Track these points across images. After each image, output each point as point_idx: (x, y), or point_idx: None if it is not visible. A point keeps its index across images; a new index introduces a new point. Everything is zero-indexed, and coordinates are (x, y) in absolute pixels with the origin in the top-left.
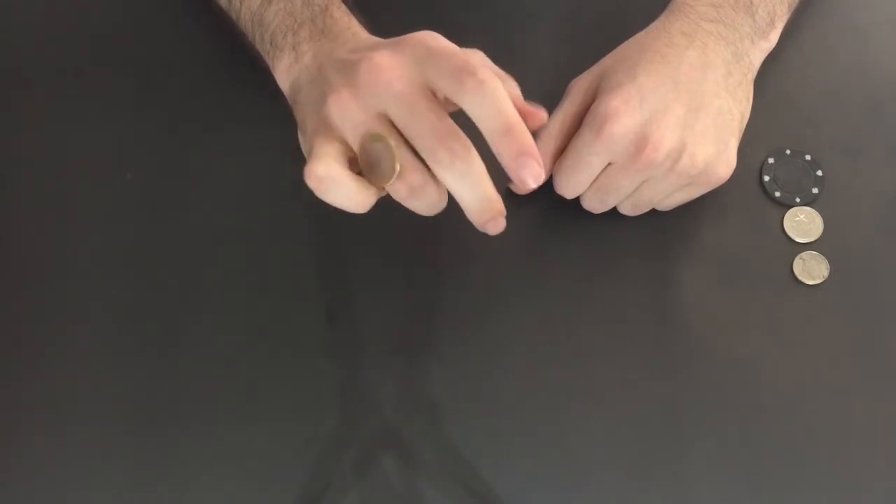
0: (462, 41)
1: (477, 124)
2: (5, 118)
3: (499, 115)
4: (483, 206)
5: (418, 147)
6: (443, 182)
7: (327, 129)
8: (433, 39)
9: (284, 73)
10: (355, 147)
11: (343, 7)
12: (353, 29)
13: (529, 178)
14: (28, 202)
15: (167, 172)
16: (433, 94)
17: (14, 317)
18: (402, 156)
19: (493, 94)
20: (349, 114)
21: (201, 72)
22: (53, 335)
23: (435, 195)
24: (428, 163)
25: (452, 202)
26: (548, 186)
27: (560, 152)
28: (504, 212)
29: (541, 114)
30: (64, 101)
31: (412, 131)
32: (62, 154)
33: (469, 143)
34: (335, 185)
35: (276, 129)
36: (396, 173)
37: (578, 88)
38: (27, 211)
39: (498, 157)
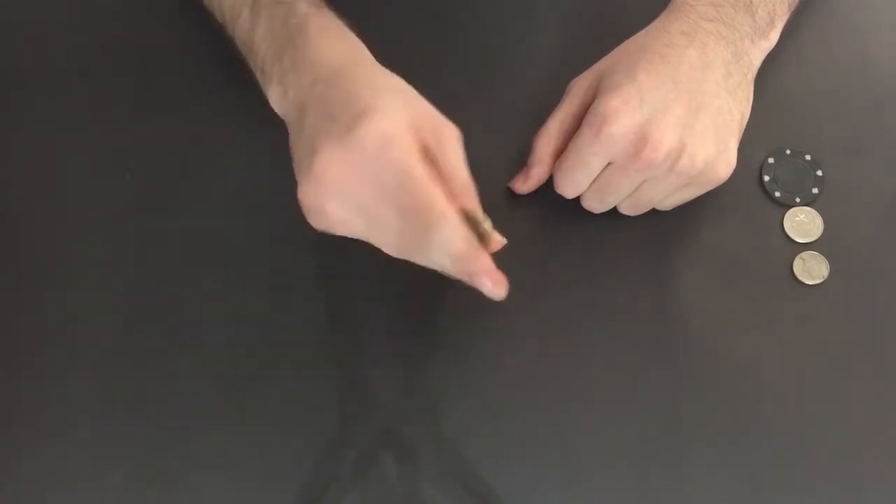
0: (462, 41)
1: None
2: (5, 118)
3: (455, 254)
4: (463, 275)
5: (391, 243)
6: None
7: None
8: (386, 146)
9: (276, 106)
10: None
11: (324, 19)
12: (328, 52)
13: (485, 287)
14: (28, 202)
15: (167, 172)
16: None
17: (14, 317)
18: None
19: (445, 239)
20: (325, 210)
21: (201, 72)
22: (53, 335)
23: None
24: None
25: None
26: (548, 186)
27: (560, 152)
28: (490, 271)
29: (502, 242)
30: (64, 101)
31: (381, 230)
32: (62, 154)
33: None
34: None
35: (277, 130)
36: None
37: (578, 88)
38: (27, 211)
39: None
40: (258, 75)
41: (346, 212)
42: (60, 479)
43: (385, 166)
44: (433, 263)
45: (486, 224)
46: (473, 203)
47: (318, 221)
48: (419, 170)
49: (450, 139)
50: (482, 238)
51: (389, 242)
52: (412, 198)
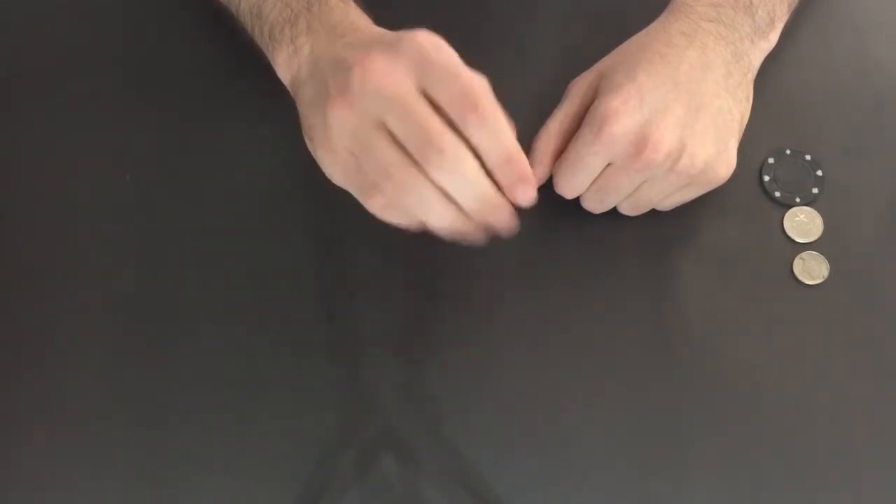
0: (462, 41)
1: (478, 152)
2: (5, 118)
3: (498, 147)
4: (480, 205)
5: (410, 149)
6: (438, 183)
7: (327, 133)
8: (434, 48)
9: (284, 68)
10: (357, 151)
11: None
12: (350, 17)
13: (522, 199)
14: (28, 202)
15: (167, 172)
16: (423, 98)
17: (14, 317)
18: None
19: (492, 128)
20: (346, 123)
21: (201, 72)
22: (53, 335)
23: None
24: (421, 165)
25: None
26: (548, 186)
27: (560, 152)
28: (507, 206)
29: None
30: (64, 101)
31: (403, 135)
32: (62, 154)
33: (459, 143)
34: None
35: (277, 129)
36: None
37: (578, 88)
38: (27, 211)
39: (497, 180)
40: (264, 41)
41: (363, 128)
42: (60, 479)
43: (433, 65)
44: (453, 182)
45: None
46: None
47: (338, 147)
48: (465, 66)
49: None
50: None
51: (388, 162)
52: (461, 87)
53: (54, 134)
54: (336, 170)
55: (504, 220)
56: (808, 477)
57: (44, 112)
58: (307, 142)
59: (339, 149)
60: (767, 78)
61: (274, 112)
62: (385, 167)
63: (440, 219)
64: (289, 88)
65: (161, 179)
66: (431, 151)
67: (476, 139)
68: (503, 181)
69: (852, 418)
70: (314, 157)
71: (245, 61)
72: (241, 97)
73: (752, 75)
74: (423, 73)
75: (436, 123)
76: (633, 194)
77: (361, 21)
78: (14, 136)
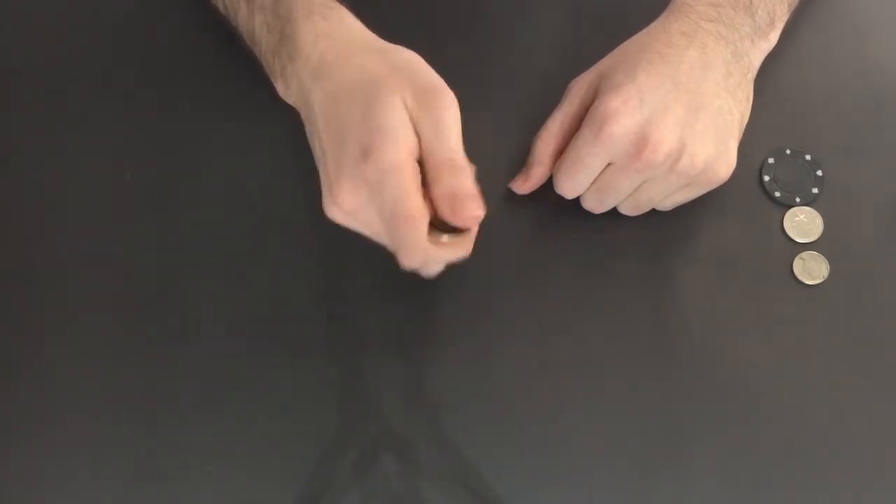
0: (462, 41)
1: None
2: (5, 118)
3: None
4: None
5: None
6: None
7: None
8: (386, 175)
9: (283, 98)
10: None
11: (305, 3)
12: (318, 44)
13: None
14: (28, 202)
15: (167, 172)
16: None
17: (14, 317)
18: None
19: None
20: (346, 221)
21: (201, 72)
22: (53, 335)
23: None
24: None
25: None
26: (548, 186)
27: (560, 152)
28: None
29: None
30: (64, 101)
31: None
32: (62, 154)
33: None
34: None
35: (278, 129)
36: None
37: (578, 88)
38: (27, 211)
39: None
40: (263, 65)
41: (359, 223)
42: (60, 479)
43: (387, 194)
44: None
45: (445, 238)
46: (456, 178)
47: (339, 221)
48: (414, 197)
49: (442, 110)
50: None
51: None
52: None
53: (54, 134)
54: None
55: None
56: (808, 477)
57: (44, 112)
58: (314, 152)
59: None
60: (767, 78)
61: (274, 112)
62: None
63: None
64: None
65: (161, 179)
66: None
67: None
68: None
69: (852, 418)
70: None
71: (245, 61)
72: (241, 97)
73: (752, 75)
74: (377, 199)
75: (413, 247)
76: (633, 194)
77: (329, 46)
78: (14, 135)
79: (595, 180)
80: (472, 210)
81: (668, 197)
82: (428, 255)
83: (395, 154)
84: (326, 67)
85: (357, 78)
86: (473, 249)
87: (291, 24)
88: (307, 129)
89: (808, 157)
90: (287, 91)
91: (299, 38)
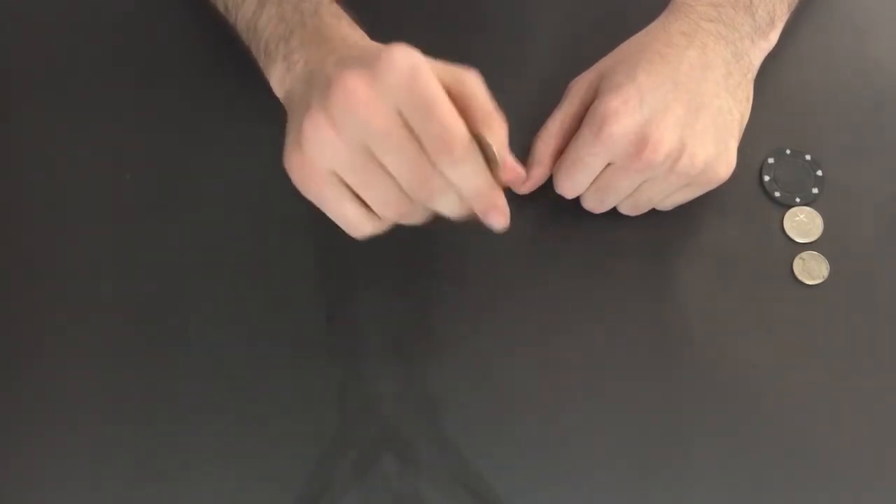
0: (461, 42)
1: (454, 183)
2: (5, 118)
3: (471, 186)
4: (477, 209)
5: (402, 183)
6: (436, 210)
7: (300, 138)
8: (412, 73)
9: (278, 84)
10: (352, 182)
11: (334, 8)
12: (342, 32)
13: (496, 225)
14: (28, 202)
15: (167, 172)
16: (406, 129)
17: (14, 317)
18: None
19: (467, 170)
20: (329, 144)
21: (201, 72)
22: (53, 335)
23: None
24: (413, 197)
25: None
26: (548, 186)
27: (560, 152)
28: (501, 207)
29: (519, 172)
30: (64, 101)
31: (394, 168)
32: (62, 154)
33: (442, 181)
34: (383, 228)
35: (277, 129)
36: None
37: (578, 88)
38: (27, 211)
39: (472, 207)
40: (260, 57)
41: (347, 152)
42: (60, 479)
43: (411, 94)
44: (440, 204)
45: (494, 148)
46: (500, 133)
47: (314, 161)
48: (445, 97)
49: (471, 78)
50: (491, 164)
51: (387, 191)
52: (437, 127)
53: (54, 134)
54: (310, 182)
55: (497, 222)
56: (808, 477)
57: (44, 112)
58: (288, 153)
59: (318, 164)
60: (767, 78)
61: (274, 112)
62: (385, 201)
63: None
64: (283, 103)
65: (161, 179)
66: (423, 190)
67: (448, 175)
68: (476, 209)
69: (852, 418)
70: (285, 163)
71: (245, 62)
72: (241, 97)
73: (752, 75)
74: (401, 101)
75: (425, 164)
76: (633, 194)
77: (354, 35)
78: (14, 135)
79: (595, 180)
80: (500, 220)
81: (668, 197)
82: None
83: (420, 57)
84: (348, 45)
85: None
86: (473, 248)
87: (317, 18)
88: (292, 105)
89: (808, 157)
90: (286, 75)
91: (325, 29)
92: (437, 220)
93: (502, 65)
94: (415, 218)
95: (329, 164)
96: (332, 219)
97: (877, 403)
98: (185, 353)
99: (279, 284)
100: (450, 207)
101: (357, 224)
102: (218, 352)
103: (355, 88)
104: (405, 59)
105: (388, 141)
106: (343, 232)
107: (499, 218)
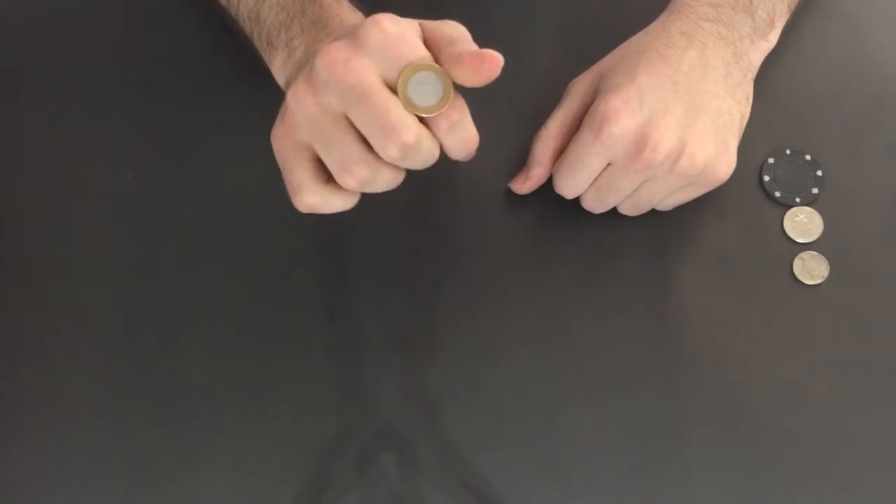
0: None
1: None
2: (5, 118)
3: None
4: (469, 146)
5: (369, 139)
6: (395, 175)
7: (284, 116)
8: (396, 34)
9: (280, 71)
10: (317, 145)
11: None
12: (341, 15)
13: (486, 70)
14: (28, 202)
15: (167, 172)
16: (384, 86)
17: (14, 317)
18: (450, 86)
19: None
20: (305, 108)
21: (201, 72)
22: (53, 335)
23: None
24: (381, 156)
25: (451, 205)
26: (548, 186)
27: (560, 152)
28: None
29: (492, 58)
30: (64, 101)
31: (362, 124)
32: (62, 154)
33: (419, 131)
34: (325, 206)
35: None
36: (449, 100)
37: (578, 88)
38: (27, 211)
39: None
40: (262, 45)
41: (319, 111)
42: (60, 479)
43: (389, 53)
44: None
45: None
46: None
47: (294, 130)
48: (425, 52)
49: (452, 24)
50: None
51: (350, 148)
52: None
53: (54, 133)
54: (286, 149)
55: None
56: (808, 477)
57: (44, 112)
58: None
59: (296, 133)
60: (767, 78)
61: (274, 112)
62: (345, 161)
63: (425, 163)
64: (284, 90)
65: (161, 179)
66: (391, 145)
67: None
68: (452, 151)
69: (852, 418)
70: (271, 138)
71: (245, 61)
72: (241, 97)
73: (752, 75)
74: (383, 61)
75: (394, 113)
76: (633, 194)
77: (353, 18)
78: (14, 135)
79: (595, 180)
80: (491, 56)
81: (668, 197)
82: (419, 134)
83: (404, 23)
84: (347, 27)
85: None
86: (473, 248)
87: (316, 5)
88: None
89: (808, 157)
90: (286, 62)
91: (324, 15)
92: (438, 220)
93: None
94: (376, 184)
95: (304, 129)
96: (286, 181)
97: (877, 403)
98: (185, 352)
99: (279, 284)
100: (420, 166)
101: (302, 188)
102: (218, 351)
103: (338, 54)
104: (390, 23)
105: (360, 91)
106: (343, 232)
107: (489, 67)
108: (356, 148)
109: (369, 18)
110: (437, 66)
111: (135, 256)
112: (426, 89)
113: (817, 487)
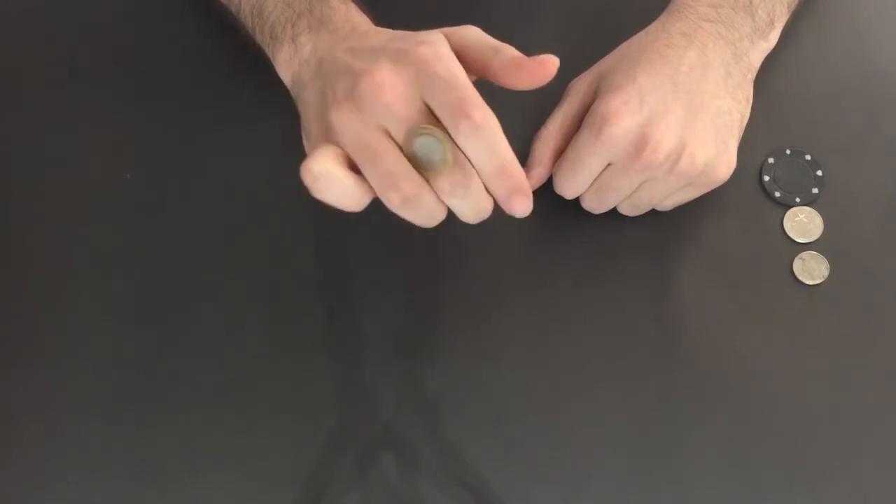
0: None
1: (471, 161)
2: (5, 118)
3: (492, 157)
4: (480, 214)
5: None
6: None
7: (328, 134)
8: (436, 58)
9: (284, 66)
10: (361, 159)
11: None
12: (351, 20)
13: (518, 211)
14: (28, 202)
15: (167, 172)
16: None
17: (14, 317)
18: (453, 149)
19: (487, 137)
20: (351, 127)
21: (201, 71)
22: (53, 335)
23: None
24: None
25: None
26: (548, 186)
27: (560, 152)
28: (525, 188)
29: (551, 63)
30: (64, 101)
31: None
32: (62, 154)
33: (467, 164)
34: (331, 182)
35: (277, 128)
36: (449, 164)
37: (578, 89)
38: (27, 211)
39: (491, 191)
40: (265, 40)
41: (365, 129)
42: (60, 479)
43: (434, 80)
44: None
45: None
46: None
47: (342, 136)
48: (464, 75)
49: (472, 30)
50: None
51: (396, 163)
52: (456, 96)
53: (55, 134)
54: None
55: (519, 209)
56: (808, 477)
57: (44, 112)
58: (304, 140)
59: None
60: (767, 78)
61: (274, 112)
62: (392, 178)
63: (429, 221)
64: (288, 87)
65: (161, 179)
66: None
67: (469, 149)
68: (497, 193)
69: (852, 418)
70: (307, 150)
71: (245, 61)
72: (241, 97)
73: (752, 75)
74: (425, 87)
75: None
76: (633, 195)
77: (362, 22)
78: (14, 135)
79: (595, 180)
80: (523, 204)
81: (668, 197)
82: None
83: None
84: (357, 33)
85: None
86: (473, 248)
87: (324, 4)
88: (306, 89)
89: (808, 157)
90: (292, 58)
91: (333, 16)
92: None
93: None
94: (420, 210)
95: (351, 151)
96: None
97: (877, 403)
98: (185, 353)
99: (279, 284)
100: (468, 202)
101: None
102: (218, 351)
103: (384, 79)
104: (432, 48)
105: (407, 122)
106: (344, 232)
107: (521, 200)
108: (401, 165)
109: (409, 42)
110: (440, 132)
111: (134, 256)
112: (432, 151)
113: (817, 487)
